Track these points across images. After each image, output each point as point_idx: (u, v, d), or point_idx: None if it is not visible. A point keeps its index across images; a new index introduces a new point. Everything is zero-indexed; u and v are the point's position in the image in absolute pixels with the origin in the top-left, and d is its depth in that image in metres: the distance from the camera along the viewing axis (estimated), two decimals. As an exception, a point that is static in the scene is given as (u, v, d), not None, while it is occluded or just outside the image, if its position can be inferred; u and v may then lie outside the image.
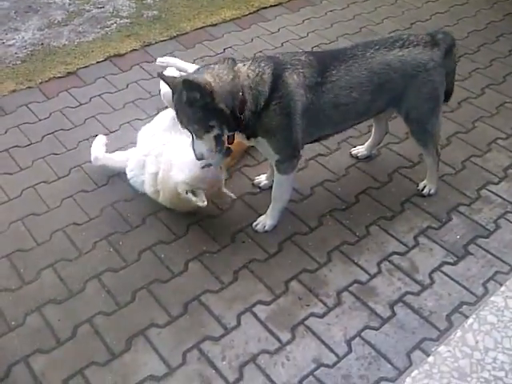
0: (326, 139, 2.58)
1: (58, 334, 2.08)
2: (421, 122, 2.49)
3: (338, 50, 2.41)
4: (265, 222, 2.48)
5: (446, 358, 1.98)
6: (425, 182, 2.71)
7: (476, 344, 2.03)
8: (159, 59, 3.08)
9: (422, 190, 2.70)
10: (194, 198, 2.29)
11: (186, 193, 2.30)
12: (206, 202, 2.29)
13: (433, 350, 2.04)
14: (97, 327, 2.10)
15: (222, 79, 2.05)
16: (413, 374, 1.94)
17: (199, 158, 2.15)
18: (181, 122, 2.12)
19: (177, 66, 3.00)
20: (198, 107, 2.01)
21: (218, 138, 2.12)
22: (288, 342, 2.07)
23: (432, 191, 2.69)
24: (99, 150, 2.67)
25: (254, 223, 2.49)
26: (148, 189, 2.50)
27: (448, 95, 2.57)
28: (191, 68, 2.88)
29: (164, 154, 2.45)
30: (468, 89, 3.41)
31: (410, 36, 2.39)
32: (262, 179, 2.70)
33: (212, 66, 2.13)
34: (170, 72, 2.32)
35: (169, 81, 2.14)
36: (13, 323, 2.11)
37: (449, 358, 1.99)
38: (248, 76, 2.11)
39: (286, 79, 2.14)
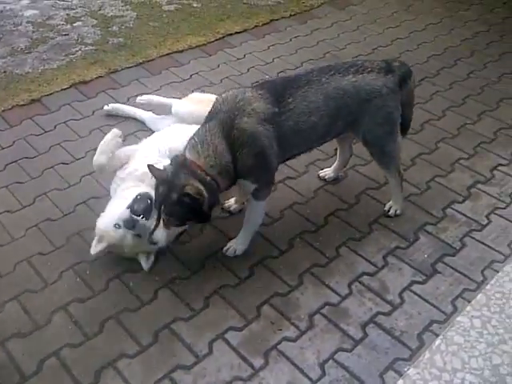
0: (292, 159, 2.59)
1: (23, 369, 2.00)
2: (378, 146, 2.54)
3: (291, 77, 2.40)
4: (236, 246, 2.46)
5: (416, 381, 2.00)
6: (390, 203, 2.74)
7: (444, 365, 2.05)
8: (139, 98, 3.17)
9: (388, 210, 2.73)
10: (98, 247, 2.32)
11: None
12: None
13: (404, 371, 2.04)
14: (64, 360, 2.04)
15: (208, 184, 2.12)
16: (384, 397, 1.94)
17: (154, 243, 2.26)
18: (157, 206, 2.15)
19: (157, 103, 3.09)
20: (185, 208, 2.09)
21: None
22: (261, 368, 2.05)
23: (398, 212, 2.72)
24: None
25: (225, 248, 2.47)
26: None
27: (405, 129, 2.64)
28: (172, 103, 2.95)
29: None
30: (430, 111, 3.50)
31: (364, 62, 2.44)
32: (232, 203, 2.69)
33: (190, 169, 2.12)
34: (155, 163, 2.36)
35: (156, 174, 2.16)
36: (-26, 360, 2.03)
37: (418, 381, 2.00)
38: (211, 166, 2.13)
39: (239, 126, 2.14)
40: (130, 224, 2.26)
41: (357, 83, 2.34)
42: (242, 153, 2.16)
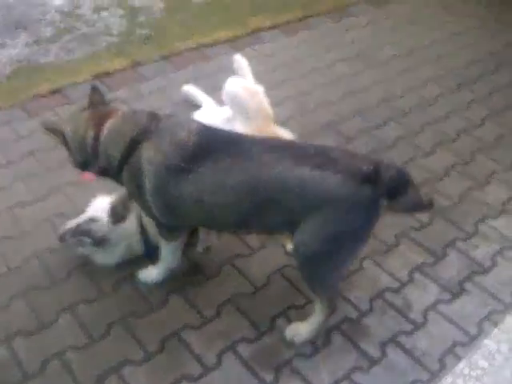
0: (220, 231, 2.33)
1: (26, 369, 1.94)
2: (310, 263, 1.88)
3: (235, 140, 1.89)
4: (149, 273, 2.25)
5: (436, 405, 1.89)
6: (301, 325, 2.10)
7: (466, 390, 1.94)
8: (185, 87, 3.16)
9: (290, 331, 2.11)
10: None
11: None
12: None
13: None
14: (68, 362, 1.97)
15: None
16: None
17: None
18: None
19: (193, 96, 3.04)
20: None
21: None
22: (271, 384, 1.95)
23: (299, 340, 2.08)
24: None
25: (139, 271, 2.26)
26: None
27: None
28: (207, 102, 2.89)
29: None
30: (467, 119, 3.36)
31: (340, 157, 1.78)
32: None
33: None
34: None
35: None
36: (-23, 356, 1.97)
37: (439, 405, 1.89)
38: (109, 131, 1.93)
39: (142, 150, 1.85)
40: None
41: (308, 180, 1.73)
42: (126, 169, 1.91)
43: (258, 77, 2.79)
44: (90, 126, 1.94)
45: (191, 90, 3.16)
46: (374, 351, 2.08)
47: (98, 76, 3.43)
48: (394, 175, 1.78)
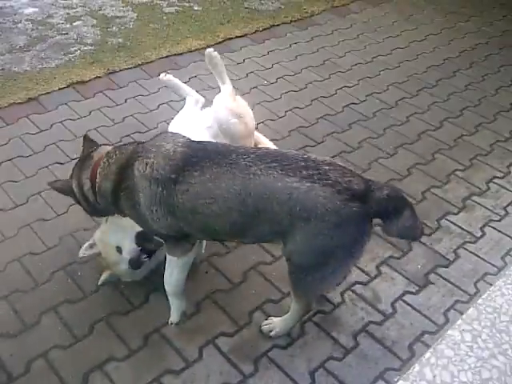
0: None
1: (10, 370, 1.98)
2: (299, 273, 1.94)
3: (220, 150, 1.90)
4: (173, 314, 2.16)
5: (405, 393, 1.99)
6: (276, 320, 2.18)
7: (434, 378, 2.04)
8: (162, 76, 2.92)
9: (268, 327, 2.19)
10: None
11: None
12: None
13: (394, 382, 2.03)
14: (52, 362, 2.02)
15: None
16: (373, 407, 1.94)
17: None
18: None
19: (174, 87, 2.92)
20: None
21: None
22: (251, 375, 2.04)
23: (275, 333, 2.16)
24: None
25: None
26: None
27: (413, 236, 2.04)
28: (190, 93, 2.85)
29: None
30: (427, 121, 3.52)
31: (331, 170, 1.76)
32: None
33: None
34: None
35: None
36: (-39, 359, 2.00)
37: (407, 394, 1.99)
38: (98, 180, 1.99)
39: (133, 170, 1.89)
40: (135, 265, 2.17)
41: (295, 192, 1.73)
42: (122, 195, 1.94)
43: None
44: (85, 179, 2.02)
45: (172, 79, 2.92)
46: (346, 341, 2.18)
47: (72, 84, 3.48)
48: (386, 196, 1.79)
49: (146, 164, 1.87)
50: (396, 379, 2.04)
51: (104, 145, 2.13)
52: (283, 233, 1.83)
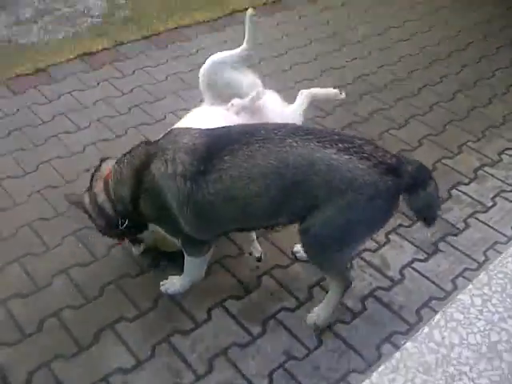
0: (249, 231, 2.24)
1: (23, 327, 2.02)
2: (318, 248, 1.88)
3: (246, 130, 1.85)
4: (172, 285, 2.18)
5: (413, 354, 2.00)
6: (316, 309, 2.12)
7: (442, 340, 2.05)
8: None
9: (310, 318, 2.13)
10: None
11: None
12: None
13: (401, 344, 2.04)
14: (64, 321, 2.05)
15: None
16: (380, 369, 1.95)
17: None
18: None
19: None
20: None
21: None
22: (259, 336, 2.05)
23: (319, 323, 2.09)
24: None
25: (162, 282, 2.20)
26: None
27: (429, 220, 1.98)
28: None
29: None
30: (439, 93, 3.49)
31: (365, 144, 1.76)
32: None
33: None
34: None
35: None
36: (-24, 317, 2.04)
37: (415, 354, 2.00)
38: (112, 189, 1.97)
39: (151, 171, 1.82)
40: None
41: (335, 163, 1.70)
42: (143, 198, 1.89)
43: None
44: (99, 191, 2.00)
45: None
46: (354, 305, 2.19)
47: (80, 55, 3.48)
48: (415, 170, 1.79)
49: (166, 162, 1.79)
50: (403, 342, 2.05)
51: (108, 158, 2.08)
52: (312, 207, 1.77)
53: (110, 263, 2.28)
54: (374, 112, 3.28)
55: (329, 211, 1.75)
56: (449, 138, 3.13)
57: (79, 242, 2.35)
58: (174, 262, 2.27)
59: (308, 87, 3.39)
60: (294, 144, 1.73)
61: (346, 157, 1.70)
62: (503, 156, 3.03)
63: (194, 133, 1.87)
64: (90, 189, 2.04)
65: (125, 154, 1.98)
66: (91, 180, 2.05)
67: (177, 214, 1.83)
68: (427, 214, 1.94)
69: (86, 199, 2.04)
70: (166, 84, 3.35)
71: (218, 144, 1.79)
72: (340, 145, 1.72)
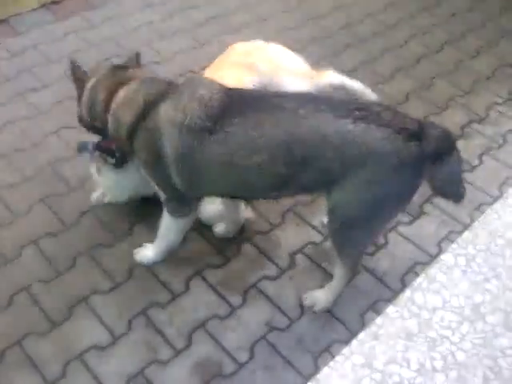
0: (243, 199, 2.10)
1: (-9, 304, 1.93)
2: (346, 228, 1.77)
3: (264, 96, 1.77)
4: (145, 254, 2.09)
5: (394, 319, 1.97)
6: (317, 293, 2.03)
7: (424, 303, 2.03)
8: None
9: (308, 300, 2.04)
10: None
11: None
12: None
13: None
14: (35, 295, 1.96)
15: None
16: (359, 336, 1.92)
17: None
18: None
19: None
20: None
21: None
22: (239, 306, 2.00)
23: (320, 308, 2.01)
24: None
25: (135, 250, 2.11)
26: None
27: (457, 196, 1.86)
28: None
29: None
30: (426, 45, 3.36)
31: (385, 110, 1.63)
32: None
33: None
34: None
35: None
36: None
37: (396, 319, 1.97)
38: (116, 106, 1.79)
39: (159, 110, 1.70)
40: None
41: (350, 134, 1.57)
42: (139, 135, 1.74)
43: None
44: (105, 89, 1.81)
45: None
46: (337, 272, 2.15)
47: (44, 4, 3.25)
48: (439, 135, 1.64)
49: (176, 107, 1.67)
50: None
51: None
52: (331, 181, 1.65)
53: (81, 232, 2.18)
54: (358, 65, 3.14)
55: (351, 187, 1.64)
56: (436, 92, 3.03)
57: (48, 209, 2.24)
58: (150, 229, 2.17)
59: (289, 37, 3.26)
60: (306, 116, 1.61)
61: (363, 126, 1.57)
62: (491, 112, 2.94)
63: (214, 87, 1.72)
64: (98, 83, 1.83)
65: (154, 79, 1.81)
66: (114, 69, 1.85)
67: (169, 164, 1.72)
68: (452, 187, 1.80)
69: (90, 83, 1.85)
70: (138, 34, 3.15)
71: (233, 104, 1.67)
72: (357, 113, 1.59)
